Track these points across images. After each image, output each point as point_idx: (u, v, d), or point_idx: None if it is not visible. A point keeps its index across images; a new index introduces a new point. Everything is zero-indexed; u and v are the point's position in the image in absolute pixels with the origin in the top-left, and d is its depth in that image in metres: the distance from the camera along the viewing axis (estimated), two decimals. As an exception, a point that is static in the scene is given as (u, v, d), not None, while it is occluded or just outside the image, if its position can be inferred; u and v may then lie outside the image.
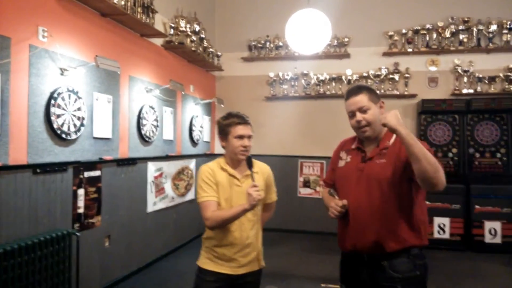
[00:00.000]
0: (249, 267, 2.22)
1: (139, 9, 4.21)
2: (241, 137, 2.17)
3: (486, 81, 5.99)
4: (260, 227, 2.33)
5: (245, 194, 2.07)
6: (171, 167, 5.18)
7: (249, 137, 2.20)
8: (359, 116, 1.98)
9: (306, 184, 6.60)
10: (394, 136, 1.99)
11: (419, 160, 1.69)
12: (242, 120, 2.19)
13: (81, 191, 3.56)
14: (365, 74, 6.35)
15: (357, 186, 1.98)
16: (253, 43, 6.76)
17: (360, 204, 1.94)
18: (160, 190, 4.93)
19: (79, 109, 3.50)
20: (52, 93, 3.20)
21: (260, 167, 2.33)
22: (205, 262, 2.22)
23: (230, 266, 2.17)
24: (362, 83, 5.36)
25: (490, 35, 5.95)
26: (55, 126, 3.22)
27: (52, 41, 3.21)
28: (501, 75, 5.96)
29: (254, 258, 2.24)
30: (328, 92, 6.52)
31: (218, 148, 6.88)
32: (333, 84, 6.51)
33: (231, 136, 2.18)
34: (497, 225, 5.47)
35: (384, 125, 1.78)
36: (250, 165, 2.16)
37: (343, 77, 6.43)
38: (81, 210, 3.57)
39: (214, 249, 2.20)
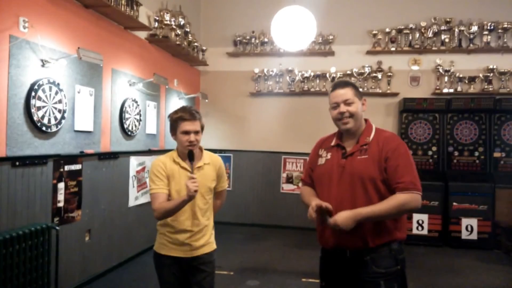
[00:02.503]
0: (201, 250, 2.34)
1: (123, 1, 4.15)
2: (187, 132, 2.26)
3: (466, 81, 6.12)
4: (212, 213, 2.47)
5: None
6: (154, 162, 5.14)
7: (196, 132, 2.29)
8: (343, 107, 2.03)
9: (289, 180, 6.64)
10: (373, 131, 2.05)
11: (389, 216, 1.91)
12: (189, 116, 2.27)
13: (61, 185, 3.52)
14: (348, 72, 6.41)
15: (339, 183, 1.99)
16: (238, 39, 6.75)
17: (343, 201, 1.94)
18: (142, 184, 4.90)
19: (60, 101, 3.45)
20: (32, 85, 3.15)
21: (212, 158, 2.45)
22: (160, 247, 2.35)
23: (183, 250, 2.30)
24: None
25: (471, 36, 6.08)
26: (35, 118, 3.17)
27: (33, 32, 3.15)
28: (480, 75, 6.10)
29: (206, 242, 2.37)
30: (312, 89, 6.56)
31: (202, 143, 6.84)
32: (317, 81, 6.55)
33: (178, 131, 2.29)
34: (473, 222, 5.62)
35: (339, 228, 1.87)
36: (191, 159, 2.25)
37: (327, 75, 6.48)
38: (61, 204, 3.52)
39: (168, 235, 2.32)
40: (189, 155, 2.25)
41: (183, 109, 2.33)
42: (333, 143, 2.13)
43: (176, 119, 2.29)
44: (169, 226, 2.31)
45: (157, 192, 2.25)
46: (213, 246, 2.42)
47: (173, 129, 2.33)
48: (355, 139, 2.06)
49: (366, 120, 2.12)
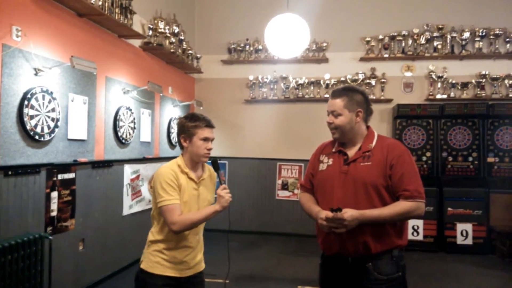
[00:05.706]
0: (195, 269, 2.23)
1: (117, 10, 4.16)
2: (206, 139, 2.17)
3: (459, 87, 6.17)
4: None
5: (199, 198, 2.17)
6: (148, 170, 5.13)
7: (212, 140, 2.23)
8: (330, 118, 2.08)
9: (284, 186, 6.64)
10: (375, 138, 2.06)
11: (391, 221, 1.94)
12: (209, 123, 2.21)
13: (54, 194, 3.49)
14: (342, 79, 6.45)
15: (342, 189, 1.99)
16: (232, 46, 6.77)
17: (346, 206, 1.93)
18: (136, 192, 4.88)
19: (53, 110, 3.43)
20: (25, 94, 3.13)
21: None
22: (153, 266, 2.16)
23: (179, 268, 2.16)
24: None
25: (463, 42, 6.13)
26: (28, 127, 3.15)
27: (26, 40, 3.14)
28: (473, 81, 6.15)
29: (200, 260, 2.27)
30: (306, 96, 6.59)
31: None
32: (312, 88, 6.58)
33: (196, 137, 2.15)
34: (468, 227, 5.64)
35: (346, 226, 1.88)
36: (216, 168, 2.20)
37: (321, 81, 6.51)
38: (54, 213, 3.49)
39: (164, 252, 2.15)
40: (214, 164, 2.20)
41: (201, 115, 2.21)
42: (334, 149, 2.13)
43: (195, 125, 2.15)
44: (169, 242, 2.14)
45: (173, 203, 2.06)
46: (203, 264, 2.31)
47: (189, 136, 2.16)
48: (357, 146, 2.06)
49: (368, 127, 2.12)
